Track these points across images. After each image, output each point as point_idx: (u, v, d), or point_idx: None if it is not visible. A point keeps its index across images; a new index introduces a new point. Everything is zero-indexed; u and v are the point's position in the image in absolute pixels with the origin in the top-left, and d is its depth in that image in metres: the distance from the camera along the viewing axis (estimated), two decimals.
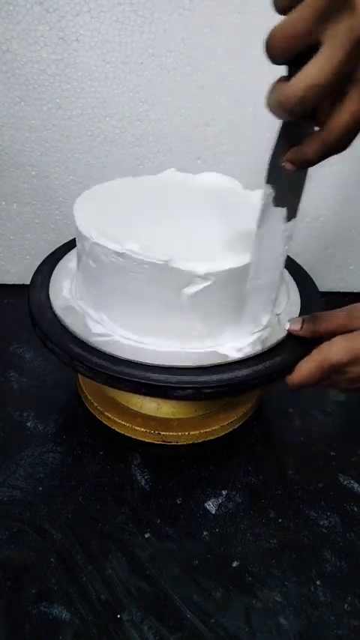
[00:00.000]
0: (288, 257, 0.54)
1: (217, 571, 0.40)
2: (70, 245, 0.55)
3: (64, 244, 0.55)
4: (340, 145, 0.30)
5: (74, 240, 0.52)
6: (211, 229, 0.44)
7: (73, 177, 0.65)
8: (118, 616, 0.37)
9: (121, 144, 0.63)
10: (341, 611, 0.38)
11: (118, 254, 0.39)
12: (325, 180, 0.66)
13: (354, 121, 0.29)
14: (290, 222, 0.38)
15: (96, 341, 0.42)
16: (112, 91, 0.60)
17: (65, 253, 0.53)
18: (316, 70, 0.26)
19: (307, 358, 0.39)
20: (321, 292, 0.51)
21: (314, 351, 0.39)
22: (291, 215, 0.38)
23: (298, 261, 0.55)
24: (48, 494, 0.45)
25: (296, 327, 0.43)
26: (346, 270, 0.76)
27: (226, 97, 0.61)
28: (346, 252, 0.74)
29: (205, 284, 0.39)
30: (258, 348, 0.43)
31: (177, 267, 0.38)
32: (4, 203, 0.67)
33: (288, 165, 0.32)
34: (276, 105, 0.28)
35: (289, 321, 0.44)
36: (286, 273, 0.52)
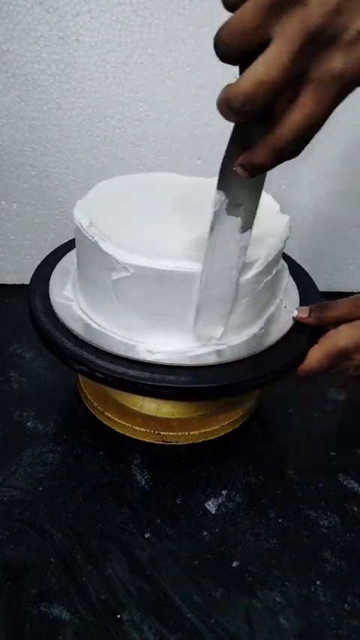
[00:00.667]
0: (288, 257, 0.54)
1: (217, 571, 0.40)
2: (71, 245, 0.55)
3: (64, 244, 0.55)
4: (292, 149, 0.28)
5: (74, 240, 0.52)
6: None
7: (73, 177, 0.65)
8: (118, 616, 0.37)
9: (121, 144, 0.63)
10: (341, 611, 0.38)
11: (114, 256, 0.39)
12: (324, 179, 0.66)
13: (307, 124, 0.26)
14: (246, 233, 0.36)
15: (96, 340, 0.42)
16: (112, 91, 0.60)
17: (65, 253, 0.53)
18: (264, 66, 0.24)
19: (315, 346, 0.41)
20: (321, 292, 0.51)
21: (321, 339, 0.41)
22: (246, 225, 0.35)
23: (298, 261, 0.55)
24: (48, 494, 0.45)
25: (304, 314, 0.45)
26: (346, 270, 0.76)
27: None
28: (346, 252, 0.74)
29: (124, 274, 0.39)
30: (212, 359, 0.41)
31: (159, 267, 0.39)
32: (4, 203, 0.67)
33: (239, 171, 0.30)
34: (224, 104, 0.26)
35: (296, 309, 0.46)
36: (286, 273, 0.52)
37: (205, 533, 0.43)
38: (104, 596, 0.38)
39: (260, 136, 0.29)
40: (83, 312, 0.46)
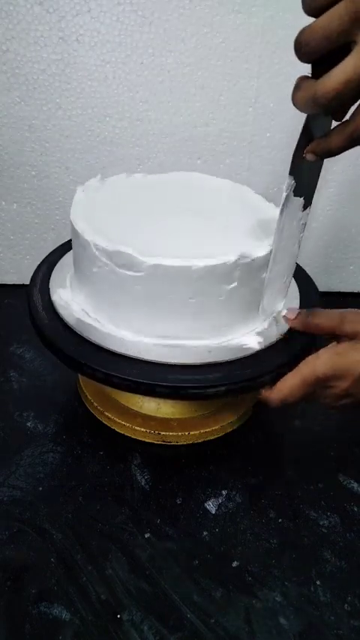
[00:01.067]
0: None
1: (217, 571, 0.40)
2: (70, 245, 0.54)
3: (64, 244, 0.55)
4: None
5: None
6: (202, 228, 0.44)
7: (73, 177, 0.65)
8: (118, 616, 0.37)
9: (121, 144, 0.63)
10: (341, 611, 0.38)
11: (110, 254, 0.39)
12: (325, 179, 0.66)
13: None
14: (306, 210, 0.40)
15: (96, 340, 0.42)
16: (112, 91, 0.60)
17: (65, 253, 0.54)
18: (353, 67, 0.28)
19: (291, 372, 0.39)
20: (321, 292, 0.51)
21: (300, 364, 0.39)
22: (307, 204, 0.40)
23: (297, 261, 0.55)
24: (48, 494, 0.45)
25: (291, 315, 0.44)
26: (346, 270, 0.76)
27: (226, 97, 0.61)
28: (346, 252, 0.74)
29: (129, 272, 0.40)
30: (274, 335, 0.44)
31: (169, 264, 0.39)
32: (4, 203, 0.67)
33: (310, 157, 0.35)
34: (310, 100, 0.30)
35: (287, 308, 0.45)
36: None
37: (205, 533, 0.43)
38: (104, 596, 0.38)
39: (328, 127, 0.34)
40: (84, 311, 0.46)
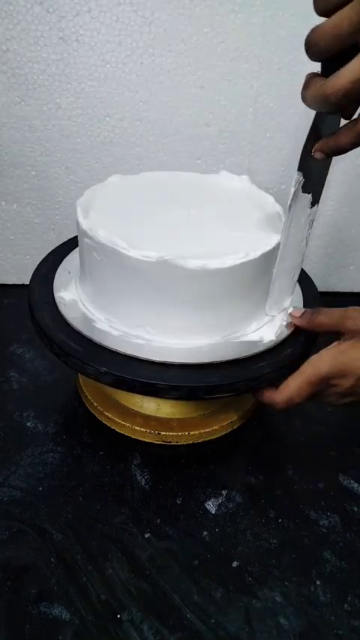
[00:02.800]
0: None
1: (217, 571, 0.40)
2: (70, 244, 0.55)
3: (64, 244, 0.55)
4: None
5: (74, 239, 0.52)
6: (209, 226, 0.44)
7: (73, 177, 0.65)
8: (118, 616, 0.37)
9: (121, 144, 0.63)
10: (341, 611, 0.38)
11: (122, 253, 0.39)
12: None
13: None
14: (314, 207, 0.41)
15: (98, 340, 0.42)
16: (112, 91, 0.60)
17: (65, 253, 0.53)
18: None
19: (294, 374, 0.40)
20: (321, 292, 0.51)
21: (303, 365, 0.40)
22: (315, 201, 0.40)
23: None
24: (48, 494, 0.45)
25: (297, 313, 0.44)
26: (346, 270, 0.76)
27: (226, 97, 0.61)
28: (346, 252, 0.74)
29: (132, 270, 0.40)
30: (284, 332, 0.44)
31: (178, 264, 0.39)
32: (4, 203, 0.67)
33: (318, 155, 0.36)
34: (320, 97, 0.30)
35: (293, 307, 0.46)
36: None
37: (205, 533, 0.43)
38: (104, 596, 0.38)
39: (337, 125, 0.35)
40: (88, 310, 0.45)
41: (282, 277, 0.44)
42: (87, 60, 0.58)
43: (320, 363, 0.39)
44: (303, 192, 0.39)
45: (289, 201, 0.39)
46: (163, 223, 0.44)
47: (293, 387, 0.39)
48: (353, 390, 0.39)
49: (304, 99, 0.32)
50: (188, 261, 0.38)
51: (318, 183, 0.40)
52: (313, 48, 0.29)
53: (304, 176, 0.38)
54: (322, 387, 0.39)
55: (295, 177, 0.38)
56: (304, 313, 0.44)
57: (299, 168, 0.37)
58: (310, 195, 0.40)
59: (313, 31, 0.29)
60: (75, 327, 0.43)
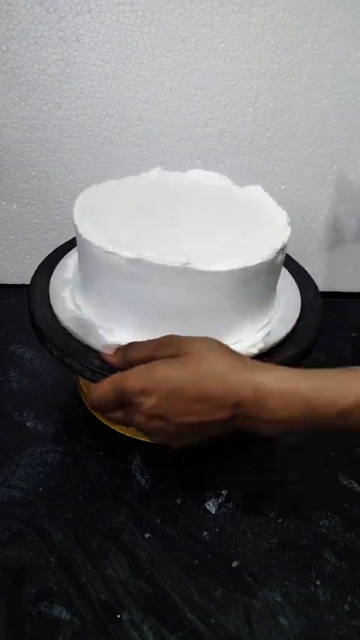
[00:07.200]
0: (288, 257, 0.54)
1: (217, 571, 0.40)
2: (70, 245, 0.55)
3: (64, 244, 0.55)
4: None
5: (74, 239, 0.52)
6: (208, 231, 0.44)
7: (73, 177, 0.65)
8: (118, 616, 0.37)
9: (121, 144, 0.63)
10: (341, 611, 0.38)
11: (127, 259, 0.39)
12: (325, 180, 0.66)
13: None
14: None
15: (96, 342, 0.42)
16: (112, 91, 0.60)
17: (65, 253, 0.53)
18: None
19: (107, 378, 0.37)
20: (321, 292, 0.51)
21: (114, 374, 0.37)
22: None
23: (298, 261, 0.55)
24: (48, 495, 0.45)
25: (109, 351, 0.41)
26: (346, 270, 0.76)
27: (226, 97, 0.61)
28: (346, 252, 0.74)
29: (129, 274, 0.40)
30: (262, 346, 0.43)
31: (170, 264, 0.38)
32: (4, 203, 0.67)
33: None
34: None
35: (103, 346, 0.41)
36: (287, 272, 0.52)
37: (205, 533, 0.43)
38: (104, 596, 0.38)
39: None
40: (85, 312, 0.45)
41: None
42: (87, 60, 0.58)
43: (130, 375, 0.36)
44: None
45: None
46: (165, 227, 0.44)
47: (100, 390, 0.37)
48: (156, 411, 0.35)
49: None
50: (189, 267, 0.38)
51: None
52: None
53: None
54: (126, 401, 0.36)
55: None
56: (116, 351, 0.40)
57: None
58: None
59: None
60: (72, 330, 0.43)
